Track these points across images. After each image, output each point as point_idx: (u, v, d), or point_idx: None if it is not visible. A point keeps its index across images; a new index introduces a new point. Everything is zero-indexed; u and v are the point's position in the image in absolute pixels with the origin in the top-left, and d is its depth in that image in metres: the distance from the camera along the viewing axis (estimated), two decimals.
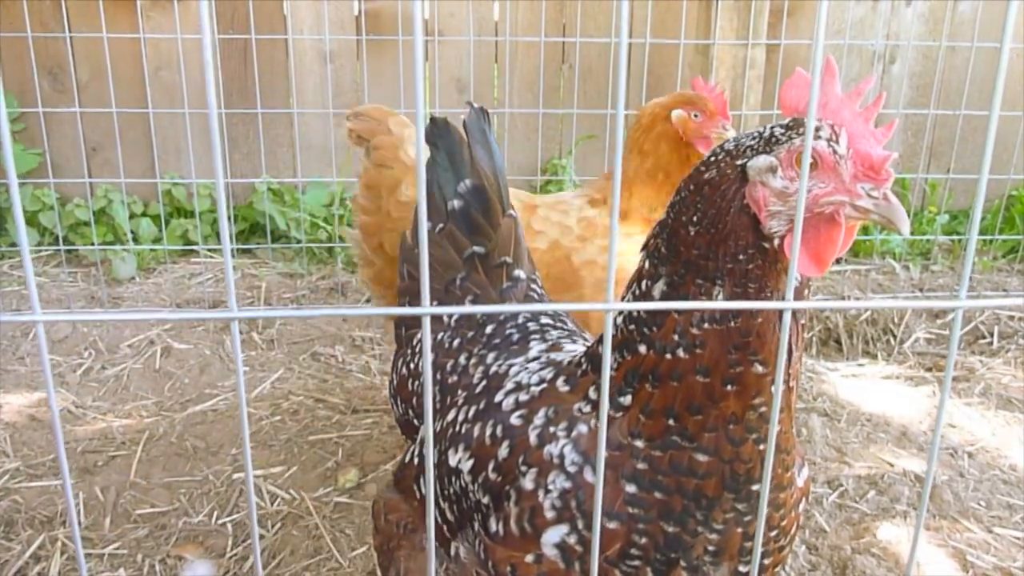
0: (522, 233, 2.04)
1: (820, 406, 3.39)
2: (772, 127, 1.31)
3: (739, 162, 1.29)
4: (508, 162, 4.88)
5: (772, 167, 1.26)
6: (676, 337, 1.31)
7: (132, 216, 4.58)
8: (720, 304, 1.03)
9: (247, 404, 3.27)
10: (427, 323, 0.89)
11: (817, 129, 1.26)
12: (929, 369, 3.78)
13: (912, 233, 4.86)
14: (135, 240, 4.50)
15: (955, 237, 4.82)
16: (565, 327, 1.86)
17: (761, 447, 1.33)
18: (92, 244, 4.26)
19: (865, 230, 4.85)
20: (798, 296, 1.34)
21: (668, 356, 1.32)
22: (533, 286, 2.04)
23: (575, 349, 1.71)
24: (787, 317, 0.97)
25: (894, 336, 4.01)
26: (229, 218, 4.59)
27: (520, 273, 2.00)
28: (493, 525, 1.46)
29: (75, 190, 4.54)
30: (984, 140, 0.90)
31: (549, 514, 1.39)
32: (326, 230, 4.56)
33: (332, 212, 4.55)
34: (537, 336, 1.78)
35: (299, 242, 4.48)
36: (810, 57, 4.40)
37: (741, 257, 1.28)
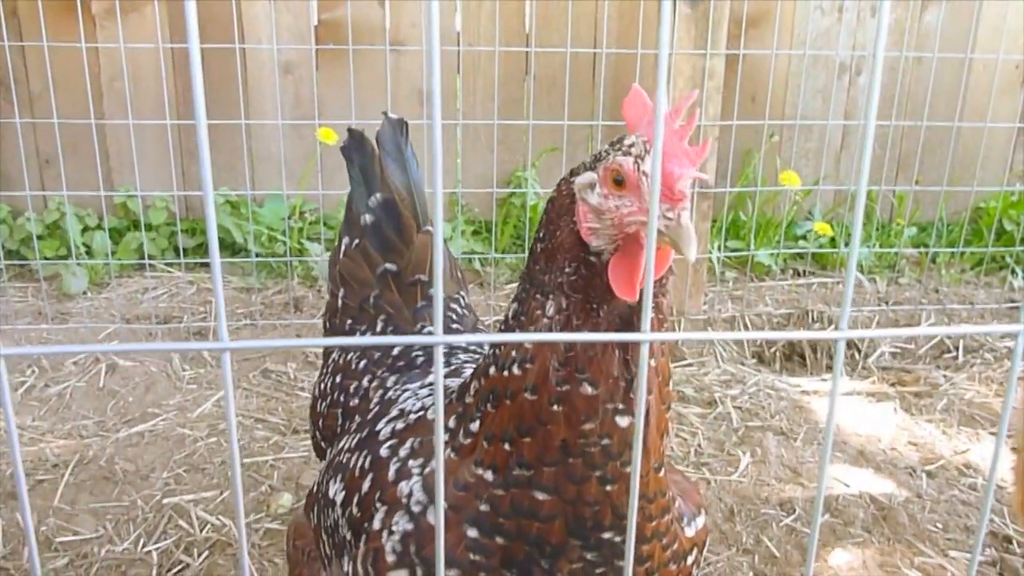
0: None
1: (776, 424, 3.30)
2: (607, 145, 1.29)
3: (572, 179, 1.29)
4: (470, 173, 4.79)
5: (592, 183, 1.24)
6: (513, 353, 1.28)
7: (87, 229, 4.48)
8: (560, 336, 0.95)
9: (185, 426, 3.17)
10: (227, 360, 0.81)
11: (631, 145, 1.22)
12: (893, 384, 3.70)
13: (880, 245, 4.79)
14: (89, 254, 4.40)
15: (922, 249, 4.75)
16: (478, 351, 1.77)
17: (608, 488, 1.24)
18: (42, 258, 4.15)
19: (832, 242, 4.78)
20: (657, 327, 1.25)
21: (506, 373, 1.28)
22: (453, 305, 1.95)
23: None
24: (644, 350, 0.89)
25: (859, 350, 3.93)
26: (185, 231, 4.49)
27: None
28: (346, 565, 1.38)
29: (27, 203, 4.44)
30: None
31: (390, 558, 1.31)
32: (284, 243, 4.47)
33: (289, 225, 4.46)
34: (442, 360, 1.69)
35: (257, 255, 4.38)
36: (771, 67, 4.34)
37: (567, 270, 1.26)
